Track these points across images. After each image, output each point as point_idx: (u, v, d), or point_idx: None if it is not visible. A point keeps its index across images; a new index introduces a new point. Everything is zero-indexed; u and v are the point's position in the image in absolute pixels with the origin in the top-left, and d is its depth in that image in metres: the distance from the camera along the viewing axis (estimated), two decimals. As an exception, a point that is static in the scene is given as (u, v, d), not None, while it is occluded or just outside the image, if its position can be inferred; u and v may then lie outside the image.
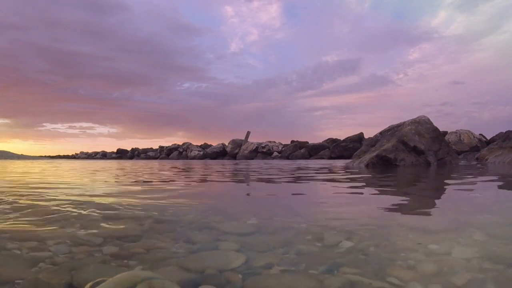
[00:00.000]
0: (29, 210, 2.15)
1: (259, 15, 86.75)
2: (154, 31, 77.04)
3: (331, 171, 7.62)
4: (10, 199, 2.69)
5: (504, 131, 12.30)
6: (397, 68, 79.93)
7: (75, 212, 2.09)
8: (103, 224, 1.75)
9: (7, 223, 1.77)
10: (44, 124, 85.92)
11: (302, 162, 17.57)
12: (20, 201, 2.55)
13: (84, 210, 2.14)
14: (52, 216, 1.95)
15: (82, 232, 1.57)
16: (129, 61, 75.95)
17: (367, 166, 9.72)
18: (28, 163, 17.86)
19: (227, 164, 14.68)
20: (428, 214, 2.17)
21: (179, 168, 10.04)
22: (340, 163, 14.59)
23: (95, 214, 2.03)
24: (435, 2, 77.09)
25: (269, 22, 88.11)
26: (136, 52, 76.00)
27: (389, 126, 12.22)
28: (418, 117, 11.31)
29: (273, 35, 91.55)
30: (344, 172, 6.87)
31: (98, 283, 0.88)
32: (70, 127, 78.05)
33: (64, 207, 2.24)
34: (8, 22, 59.48)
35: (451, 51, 77.40)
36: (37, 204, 2.38)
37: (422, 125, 10.89)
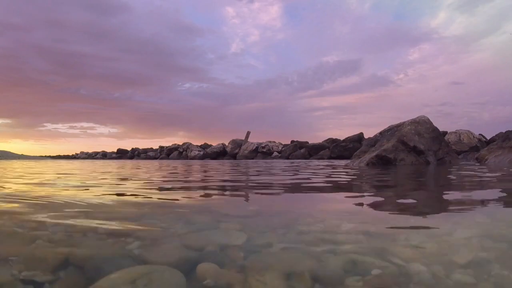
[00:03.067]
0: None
1: (260, 16, 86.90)
2: (156, 32, 77.12)
3: (330, 169, 7.62)
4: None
5: (503, 131, 12.30)
6: (397, 69, 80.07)
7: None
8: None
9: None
10: (45, 124, 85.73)
11: (302, 162, 17.55)
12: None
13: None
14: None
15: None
16: (131, 61, 75.97)
17: (367, 166, 9.71)
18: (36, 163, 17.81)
19: (226, 164, 14.67)
20: (429, 200, 2.16)
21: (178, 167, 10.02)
22: (340, 163, 14.57)
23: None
24: (435, 3, 77.18)
25: (270, 23, 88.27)
26: (138, 52, 76.02)
27: (389, 126, 12.19)
28: (418, 117, 11.30)
29: (274, 35, 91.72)
30: (344, 170, 6.86)
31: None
32: (71, 127, 78.03)
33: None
34: (9, 22, 59.48)
35: (451, 52, 77.49)
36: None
37: (422, 125, 10.87)
